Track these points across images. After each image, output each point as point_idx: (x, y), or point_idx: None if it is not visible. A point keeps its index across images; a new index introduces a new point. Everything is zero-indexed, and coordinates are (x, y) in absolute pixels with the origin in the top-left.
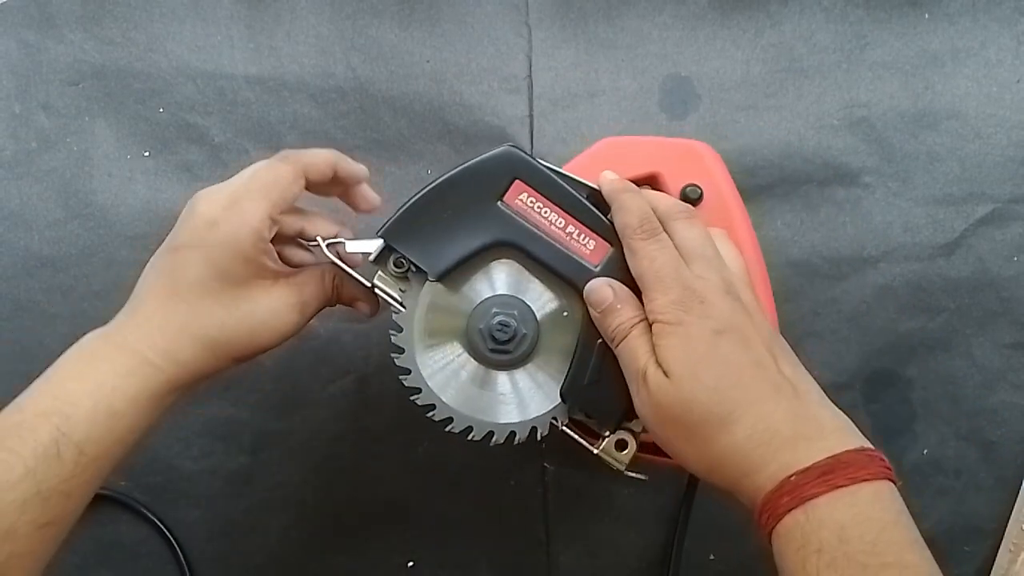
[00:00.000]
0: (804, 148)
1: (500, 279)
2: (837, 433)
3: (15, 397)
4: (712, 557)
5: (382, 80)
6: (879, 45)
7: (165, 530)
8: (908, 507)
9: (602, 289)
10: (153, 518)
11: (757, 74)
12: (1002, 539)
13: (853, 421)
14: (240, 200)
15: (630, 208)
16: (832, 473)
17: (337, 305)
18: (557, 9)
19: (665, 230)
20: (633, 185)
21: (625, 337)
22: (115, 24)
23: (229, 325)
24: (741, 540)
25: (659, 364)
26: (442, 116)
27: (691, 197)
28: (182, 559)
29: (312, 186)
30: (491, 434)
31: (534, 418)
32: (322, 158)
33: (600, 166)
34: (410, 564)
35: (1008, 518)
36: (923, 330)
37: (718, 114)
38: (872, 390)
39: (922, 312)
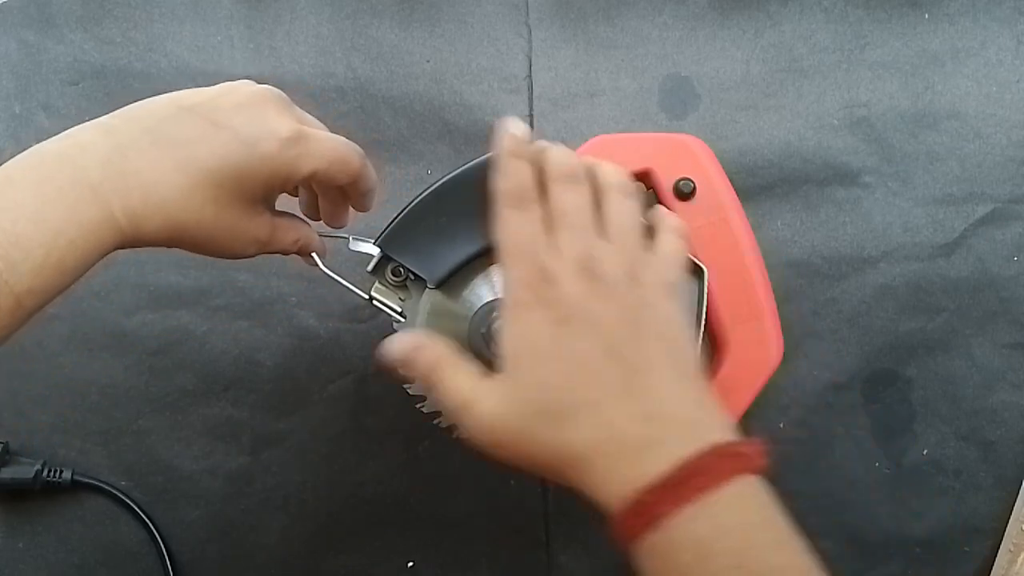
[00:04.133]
0: (804, 148)
1: (500, 282)
2: (689, 430)
3: (14, 399)
4: None
5: (382, 80)
6: (879, 45)
7: (155, 531)
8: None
9: (390, 350)
10: (145, 517)
11: (757, 74)
12: (1002, 539)
13: (853, 421)
14: (308, 140)
15: (507, 172)
16: (683, 486)
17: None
18: (557, 9)
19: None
20: (540, 145)
21: (437, 383)
22: (115, 24)
23: (205, 225)
24: None
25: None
26: (442, 116)
27: (684, 191)
28: (167, 560)
29: (323, 183)
30: None
31: None
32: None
33: None
34: (410, 564)
35: (1008, 518)
36: (923, 330)
37: (718, 114)
38: (872, 390)
39: (922, 312)
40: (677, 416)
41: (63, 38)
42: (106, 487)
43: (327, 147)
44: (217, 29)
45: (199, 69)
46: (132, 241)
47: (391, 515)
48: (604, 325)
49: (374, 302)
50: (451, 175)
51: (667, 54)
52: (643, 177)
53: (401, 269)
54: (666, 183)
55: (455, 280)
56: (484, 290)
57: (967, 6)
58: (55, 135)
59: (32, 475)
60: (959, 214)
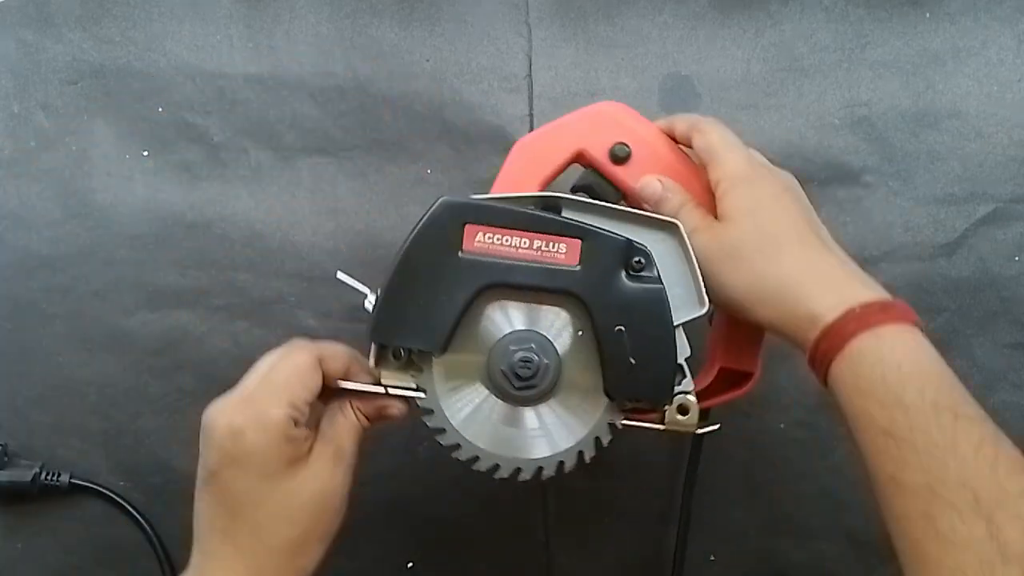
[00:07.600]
0: (805, 147)
1: (501, 319)
2: (866, 283)
3: (12, 399)
4: (712, 557)
5: (382, 80)
6: (880, 44)
7: (153, 533)
8: None
9: (651, 184)
10: (142, 520)
11: (758, 73)
12: None
13: None
14: (256, 400)
15: (682, 116)
16: (893, 308)
17: (373, 423)
18: (557, 8)
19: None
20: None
21: (676, 215)
22: (114, 23)
23: (295, 516)
24: (741, 540)
25: (717, 218)
26: (442, 116)
27: (620, 155)
28: (165, 561)
29: (328, 381)
30: (540, 469)
31: (582, 440)
32: (339, 352)
33: (521, 172)
34: (410, 565)
35: None
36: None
37: (718, 113)
38: None
39: (923, 312)
40: (859, 271)
41: (62, 37)
42: (104, 490)
43: (284, 375)
44: (216, 28)
45: (198, 68)
46: None
47: (391, 515)
48: (808, 206)
49: (388, 391)
50: (408, 243)
51: (667, 53)
52: (578, 160)
53: (401, 351)
54: (601, 155)
55: (458, 338)
56: (489, 331)
57: (968, 5)
58: (53, 134)
59: (30, 478)
60: (960, 214)
